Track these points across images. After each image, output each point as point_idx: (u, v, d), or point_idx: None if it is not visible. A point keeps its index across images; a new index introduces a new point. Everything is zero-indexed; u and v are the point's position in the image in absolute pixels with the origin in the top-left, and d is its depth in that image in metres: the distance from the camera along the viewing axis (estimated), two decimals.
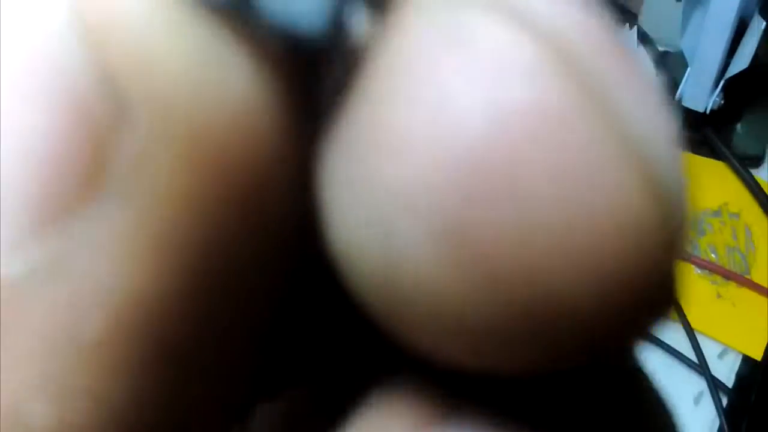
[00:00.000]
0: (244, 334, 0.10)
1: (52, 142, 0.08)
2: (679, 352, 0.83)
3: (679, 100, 0.96)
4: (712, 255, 0.91)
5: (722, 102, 0.93)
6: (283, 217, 0.10)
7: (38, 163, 0.08)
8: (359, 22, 0.09)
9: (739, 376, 0.83)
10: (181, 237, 0.09)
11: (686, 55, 0.94)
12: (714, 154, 0.98)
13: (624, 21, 1.10)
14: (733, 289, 0.88)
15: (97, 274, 0.08)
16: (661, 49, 1.05)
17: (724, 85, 0.91)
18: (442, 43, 0.09)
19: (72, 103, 0.08)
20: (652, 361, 0.83)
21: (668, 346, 0.83)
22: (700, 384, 0.82)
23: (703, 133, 0.98)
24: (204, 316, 0.09)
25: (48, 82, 0.08)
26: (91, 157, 0.08)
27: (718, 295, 0.88)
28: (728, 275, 0.88)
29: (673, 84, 0.98)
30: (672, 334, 0.84)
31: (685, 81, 0.94)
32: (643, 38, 1.06)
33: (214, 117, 0.09)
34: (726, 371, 0.83)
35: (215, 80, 0.09)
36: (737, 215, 0.93)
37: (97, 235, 0.08)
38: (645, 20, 1.08)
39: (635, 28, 1.06)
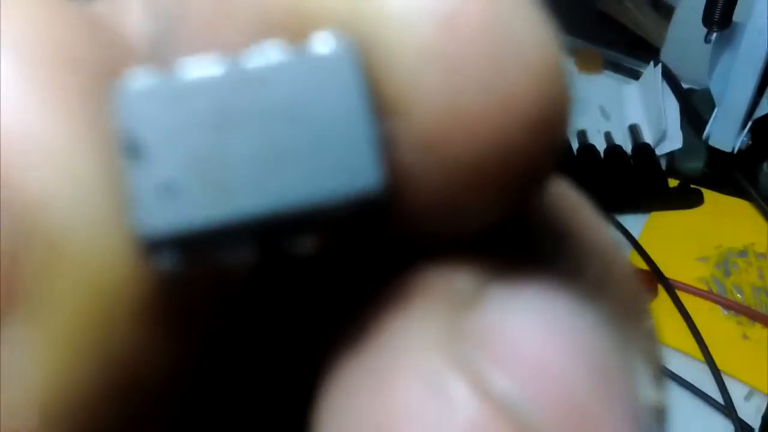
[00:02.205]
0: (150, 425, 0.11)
1: None
2: (705, 394, 0.83)
3: (706, 140, 0.96)
4: (738, 295, 0.90)
5: (749, 142, 0.93)
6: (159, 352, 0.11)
7: None
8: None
9: (766, 418, 0.82)
10: (80, 351, 0.10)
11: (714, 94, 0.94)
12: (740, 193, 0.98)
13: (647, 58, 1.11)
14: (759, 330, 0.87)
15: (22, 381, 0.10)
16: (686, 86, 1.06)
17: (751, 125, 0.92)
18: (422, 406, 0.10)
19: None
20: (679, 402, 0.82)
21: (694, 387, 0.83)
22: (726, 426, 0.81)
23: (730, 173, 0.98)
24: (112, 414, 0.10)
25: None
26: (4, 276, 0.10)
27: (744, 336, 0.87)
28: (754, 316, 0.88)
29: (699, 122, 0.99)
30: (698, 375, 0.84)
31: (713, 121, 0.95)
32: (668, 75, 1.06)
33: (91, 254, 0.10)
34: (752, 413, 0.82)
35: (107, 233, 0.10)
36: (764, 255, 0.93)
37: (16, 348, 0.10)
38: (669, 56, 1.08)
39: (659, 66, 1.06)
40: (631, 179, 0.99)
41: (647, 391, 0.12)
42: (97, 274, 0.10)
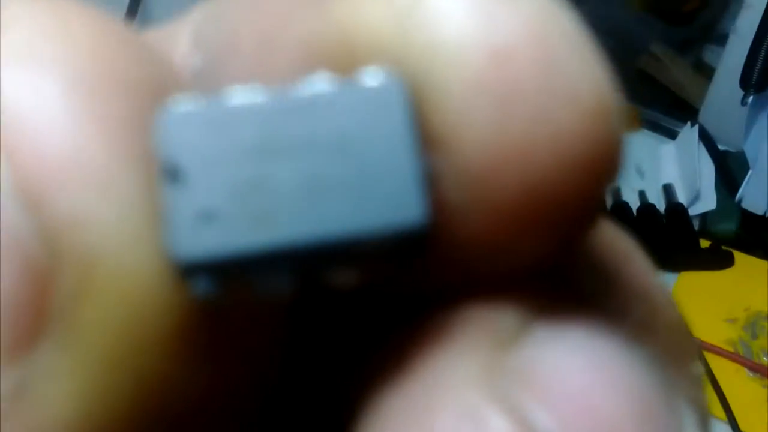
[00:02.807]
0: None
1: (10, 286, 0.10)
2: None
3: (739, 202, 0.96)
4: (765, 358, 0.90)
5: None
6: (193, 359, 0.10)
7: (3, 304, 0.10)
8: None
9: None
10: (110, 375, 0.10)
11: (749, 157, 0.95)
12: None
13: (685, 118, 1.11)
14: None
15: (52, 402, 0.10)
16: (722, 148, 1.06)
17: None
18: (461, 429, 0.10)
19: (21, 256, 0.10)
20: None
21: None
22: None
23: (762, 235, 0.98)
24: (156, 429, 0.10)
25: (4, 244, 0.10)
26: (36, 299, 0.10)
27: None
28: None
29: (733, 184, 0.99)
30: None
31: (747, 183, 0.95)
32: (704, 136, 1.07)
33: (126, 279, 0.10)
34: None
35: (142, 257, 0.10)
36: None
37: (48, 367, 0.10)
38: (706, 117, 1.09)
39: (696, 126, 1.07)
40: (663, 238, 1.00)
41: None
42: (131, 297, 0.10)
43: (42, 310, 0.10)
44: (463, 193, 0.10)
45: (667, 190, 1.05)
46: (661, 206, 1.03)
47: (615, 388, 0.10)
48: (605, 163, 0.10)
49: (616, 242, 0.13)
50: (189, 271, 0.10)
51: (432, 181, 0.10)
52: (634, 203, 1.03)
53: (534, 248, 0.11)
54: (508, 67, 0.10)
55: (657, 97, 1.18)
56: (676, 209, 1.02)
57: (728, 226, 1.01)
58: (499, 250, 0.11)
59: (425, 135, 0.10)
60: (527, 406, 0.10)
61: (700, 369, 0.13)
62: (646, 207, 1.02)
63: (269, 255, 0.10)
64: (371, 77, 0.10)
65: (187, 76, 0.11)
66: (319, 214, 0.10)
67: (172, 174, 0.10)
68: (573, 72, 0.10)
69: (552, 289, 0.11)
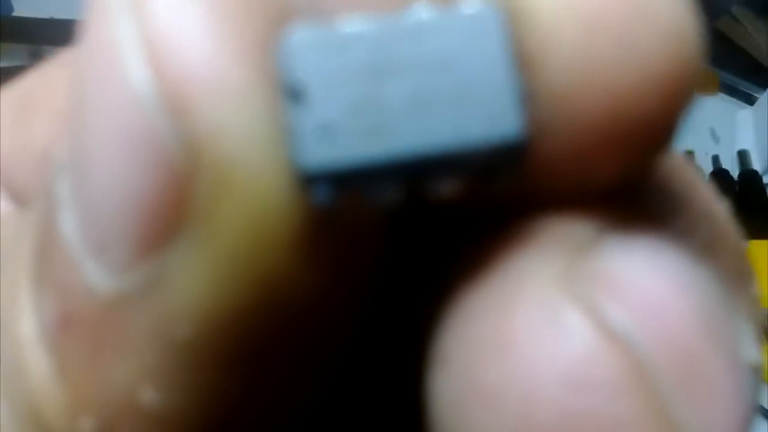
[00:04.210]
0: (305, 336, 0.12)
1: (148, 189, 0.10)
2: None
3: None
4: None
5: None
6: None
7: (139, 206, 0.11)
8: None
9: None
10: (243, 267, 0.11)
11: None
12: None
13: (764, 84, 1.09)
14: None
15: (184, 293, 0.11)
16: None
17: None
18: (538, 328, 0.11)
19: (162, 161, 0.10)
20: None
21: None
22: None
23: None
24: (273, 327, 0.11)
25: (143, 147, 0.10)
26: (175, 202, 0.10)
27: None
28: None
29: None
30: None
31: None
32: None
33: (258, 187, 0.11)
34: None
35: (271, 165, 0.11)
36: None
37: (181, 263, 0.11)
38: None
39: None
40: (735, 205, 0.98)
41: (750, 350, 0.12)
42: (261, 200, 0.10)
43: (180, 209, 0.10)
44: (553, 112, 0.11)
45: (742, 156, 1.04)
46: (735, 172, 1.02)
47: (686, 297, 0.11)
48: (684, 86, 0.11)
49: (683, 168, 0.13)
50: (310, 180, 0.11)
51: (526, 99, 0.11)
52: (707, 168, 1.01)
53: (614, 165, 0.12)
54: None
55: (736, 61, 1.16)
56: (749, 176, 1.01)
57: None
58: (582, 165, 0.11)
59: (519, 57, 0.11)
60: (602, 303, 0.11)
61: (755, 291, 0.13)
62: (720, 172, 1.01)
63: (382, 165, 0.11)
64: (469, 5, 0.11)
65: (298, 5, 0.12)
66: (426, 127, 0.11)
67: (295, 93, 0.11)
68: None
69: (625, 206, 0.12)
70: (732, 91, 1.13)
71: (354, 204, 0.11)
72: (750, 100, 1.11)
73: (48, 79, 0.18)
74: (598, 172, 0.12)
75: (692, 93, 0.11)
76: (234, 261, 0.11)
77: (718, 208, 0.14)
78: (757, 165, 1.02)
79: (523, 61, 0.11)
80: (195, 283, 0.11)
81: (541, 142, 0.11)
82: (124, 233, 0.11)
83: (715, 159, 1.03)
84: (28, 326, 0.12)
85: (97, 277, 0.11)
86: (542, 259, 0.11)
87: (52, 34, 0.98)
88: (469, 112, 0.11)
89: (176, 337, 0.11)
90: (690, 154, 1.02)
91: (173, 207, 0.10)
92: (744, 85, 1.13)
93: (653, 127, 0.11)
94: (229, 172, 0.10)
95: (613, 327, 0.11)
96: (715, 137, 1.08)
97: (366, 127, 0.11)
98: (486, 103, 0.11)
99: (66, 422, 0.12)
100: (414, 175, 0.11)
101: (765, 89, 1.09)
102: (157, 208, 0.11)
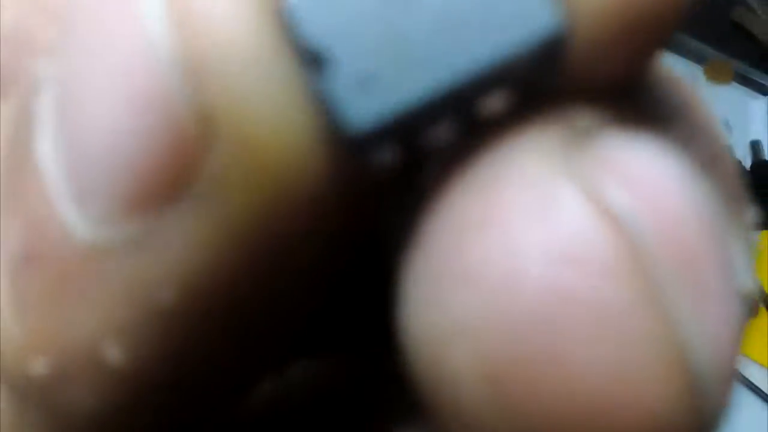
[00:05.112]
0: (290, 306, 0.12)
1: (152, 151, 0.10)
2: None
3: None
4: None
5: None
6: (325, 225, 0.11)
7: (137, 164, 0.10)
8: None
9: None
10: (245, 234, 0.10)
11: None
12: None
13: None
14: None
15: (174, 256, 0.10)
16: None
17: None
18: (527, 204, 0.10)
19: (172, 126, 0.10)
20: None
21: None
22: None
23: None
24: (259, 293, 0.11)
25: (152, 108, 0.10)
26: (180, 168, 0.10)
27: None
28: None
29: None
30: None
31: None
32: None
33: (282, 156, 0.10)
34: None
35: (291, 129, 0.10)
36: None
37: (177, 226, 0.10)
38: None
39: None
40: (748, 195, 0.98)
41: (743, 275, 0.11)
42: (276, 169, 0.10)
43: (186, 173, 0.10)
44: (574, 6, 0.11)
45: (754, 146, 1.03)
46: (747, 163, 1.01)
47: (687, 196, 0.10)
48: None
49: (682, 83, 0.13)
50: (367, 140, 0.10)
51: None
52: None
53: (628, 56, 0.11)
54: None
55: (750, 51, 1.15)
56: (761, 166, 1.00)
57: None
58: (604, 56, 0.11)
59: None
60: (603, 185, 0.10)
61: (750, 218, 0.13)
62: None
63: (433, 97, 0.10)
64: None
65: None
66: (463, 47, 0.10)
67: (318, 57, 0.10)
68: None
69: (626, 106, 0.11)
70: (745, 81, 1.12)
71: (416, 152, 0.10)
72: (763, 90, 1.11)
73: None
74: (612, 64, 0.11)
75: None
76: (242, 229, 0.10)
77: (716, 128, 0.13)
78: None
79: None
80: (191, 248, 0.10)
81: (575, 34, 0.11)
82: (115, 184, 0.10)
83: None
84: None
85: (74, 220, 0.10)
86: (536, 139, 0.11)
87: None
88: (501, 19, 0.10)
89: (156, 300, 0.10)
90: None
91: (178, 170, 0.10)
92: (758, 75, 1.13)
93: (663, 15, 0.11)
94: (248, 142, 0.10)
95: (611, 207, 0.10)
96: (728, 127, 1.07)
97: (401, 64, 0.10)
98: (516, 6, 0.10)
99: (18, 360, 0.11)
100: (466, 96, 0.10)
101: None
102: (159, 169, 0.10)
